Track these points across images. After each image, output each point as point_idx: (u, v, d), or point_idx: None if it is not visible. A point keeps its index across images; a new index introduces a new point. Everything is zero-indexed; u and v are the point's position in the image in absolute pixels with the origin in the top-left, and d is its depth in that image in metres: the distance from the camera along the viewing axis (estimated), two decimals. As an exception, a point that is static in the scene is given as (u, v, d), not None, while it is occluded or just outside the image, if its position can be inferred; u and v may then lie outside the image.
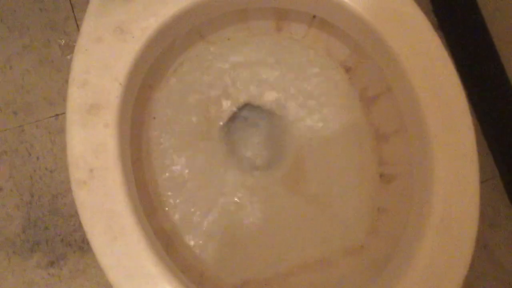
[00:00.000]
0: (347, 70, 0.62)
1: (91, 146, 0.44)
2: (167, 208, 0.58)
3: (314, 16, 0.58)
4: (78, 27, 0.86)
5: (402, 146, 0.58)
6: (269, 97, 0.64)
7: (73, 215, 0.80)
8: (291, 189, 0.62)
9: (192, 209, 0.59)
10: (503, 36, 0.79)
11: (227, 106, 0.63)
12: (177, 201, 0.59)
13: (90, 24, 0.46)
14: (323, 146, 0.63)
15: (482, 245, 0.85)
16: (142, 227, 0.43)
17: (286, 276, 0.57)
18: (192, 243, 0.58)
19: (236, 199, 0.62)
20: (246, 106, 0.64)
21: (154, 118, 0.60)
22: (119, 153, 0.45)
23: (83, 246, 0.80)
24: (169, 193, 0.59)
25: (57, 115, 0.82)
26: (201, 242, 0.59)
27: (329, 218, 0.60)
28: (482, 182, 0.86)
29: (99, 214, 0.43)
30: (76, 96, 0.45)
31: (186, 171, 0.61)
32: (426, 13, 0.86)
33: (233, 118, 0.64)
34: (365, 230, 0.59)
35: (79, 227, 0.80)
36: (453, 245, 0.44)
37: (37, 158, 0.81)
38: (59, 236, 0.80)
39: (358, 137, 0.62)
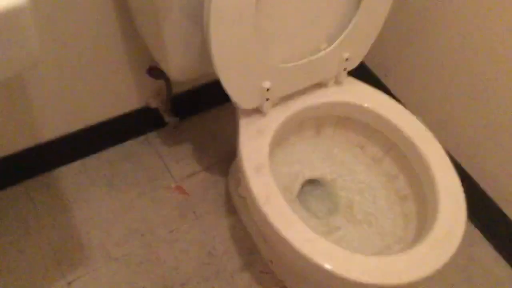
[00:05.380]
0: (361, 147, 1.09)
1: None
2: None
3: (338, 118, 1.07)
4: (171, 175, 1.28)
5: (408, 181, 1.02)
6: (321, 174, 1.08)
7: (199, 294, 1.12)
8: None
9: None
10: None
11: (300, 179, 1.06)
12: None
13: (244, 130, 0.91)
14: (360, 194, 1.06)
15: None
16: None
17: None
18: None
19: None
20: (311, 180, 1.08)
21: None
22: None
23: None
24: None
25: (171, 231, 1.19)
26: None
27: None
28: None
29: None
30: (247, 157, 0.88)
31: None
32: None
33: (304, 186, 1.07)
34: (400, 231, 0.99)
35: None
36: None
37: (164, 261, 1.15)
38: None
39: (378, 181, 1.06)
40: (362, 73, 1.13)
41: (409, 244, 0.94)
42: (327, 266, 0.79)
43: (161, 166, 1.30)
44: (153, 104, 1.25)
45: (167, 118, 1.30)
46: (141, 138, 1.34)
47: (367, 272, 0.79)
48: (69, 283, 1.10)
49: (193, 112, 1.40)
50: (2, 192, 1.21)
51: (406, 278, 0.79)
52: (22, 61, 0.44)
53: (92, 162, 1.28)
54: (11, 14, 0.42)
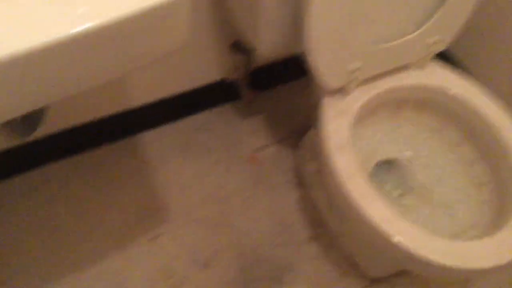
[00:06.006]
0: (438, 131, 1.10)
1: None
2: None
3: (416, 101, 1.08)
4: (245, 146, 1.33)
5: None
6: (396, 155, 1.10)
7: None
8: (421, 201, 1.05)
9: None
10: None
11: (375, 159, 1.09)
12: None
13: (326, 109, 0.94)
14: (435, 177, 1.07)
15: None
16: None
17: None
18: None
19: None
20: (386, 160, 1.10)
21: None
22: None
23: None
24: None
25: (244, 199, 1.25)
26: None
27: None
28: None
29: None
30: (330, 136, 0.91)
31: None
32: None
33: (378, 166, 1.10)
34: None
35: None
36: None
37: (237, 226, 1.22)
38: None
39: (454, 166, 1.07)
40: (444, 55, 1.13)
41: (484, 230, 0.96)
42: (405, 245, 0.82)
43: (236, 137, 1.35)
44: (232, 77, 1.30)
45: (244, 91, 1.34)
46: (218, 109, 1.40)
47: (447, 254, 0.81)
48: (150, 240, 1.19)
49: (268, 86, 1.44)
50: (92, 152, 1.30)
51: (486, 264, 0.81)
52: (171, 47, 0.49)
53: (171, 129, 1.35)
54: (172, 6, 0.46)
